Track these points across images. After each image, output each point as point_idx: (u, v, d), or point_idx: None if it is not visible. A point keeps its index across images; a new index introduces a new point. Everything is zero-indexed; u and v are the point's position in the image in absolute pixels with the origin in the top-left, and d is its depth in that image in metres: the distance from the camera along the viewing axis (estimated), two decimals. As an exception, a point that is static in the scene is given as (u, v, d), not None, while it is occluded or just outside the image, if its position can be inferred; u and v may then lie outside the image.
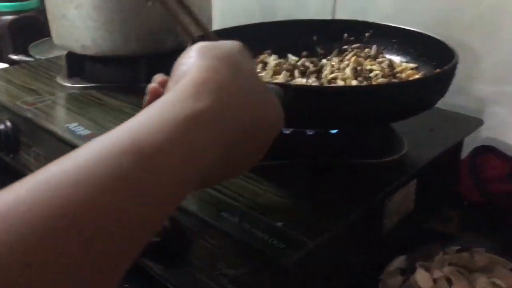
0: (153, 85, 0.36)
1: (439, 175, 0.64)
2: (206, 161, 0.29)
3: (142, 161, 0.25)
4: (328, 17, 0.86)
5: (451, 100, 0.76)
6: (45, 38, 1.10)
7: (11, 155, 0.74)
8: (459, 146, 0.66)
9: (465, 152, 0.72)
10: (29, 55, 1.09)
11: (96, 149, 0.24)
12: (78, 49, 0.77)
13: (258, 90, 0.35)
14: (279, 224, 0.44)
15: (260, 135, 0.35)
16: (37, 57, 1.06)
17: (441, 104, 0.57)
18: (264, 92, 0.36)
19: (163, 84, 0.36)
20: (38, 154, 0.69)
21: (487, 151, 0.73)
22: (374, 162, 0.54)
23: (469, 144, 0.70)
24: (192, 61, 0.33)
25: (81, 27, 0.74)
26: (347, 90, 0.50)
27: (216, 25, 0.86)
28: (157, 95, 0.34)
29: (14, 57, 1.09)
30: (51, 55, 1.00)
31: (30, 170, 0.71)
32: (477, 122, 0.66)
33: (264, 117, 0.35)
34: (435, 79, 0.52)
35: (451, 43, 0.59)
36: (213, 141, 0.29)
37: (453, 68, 0.52)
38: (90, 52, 0.76)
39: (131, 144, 0.25)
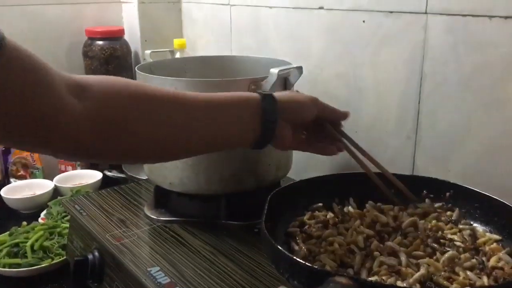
0: None
1: None
2: None
3: None
4: (409, 166, 0.86)
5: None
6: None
7: (96, 284, 0.78)
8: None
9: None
10: (122, 171, 1.18)
11: None
12: (166, 185, 0.82)
13: None
14: None
15: None
16: (129, 174, 1.14)
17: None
18: None
19: None
20: (120, 289, 0.73)
21: None
22: None
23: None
24: None
25: (170, 167, 0.80)
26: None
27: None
28: None
29: (108, 173, 1.19)
30: (142, 173, 1.07)
31: (111, 303, 0.75)
32: None
33: None
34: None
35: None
36: None
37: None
38: (176, 189, 0.81)
39: None
